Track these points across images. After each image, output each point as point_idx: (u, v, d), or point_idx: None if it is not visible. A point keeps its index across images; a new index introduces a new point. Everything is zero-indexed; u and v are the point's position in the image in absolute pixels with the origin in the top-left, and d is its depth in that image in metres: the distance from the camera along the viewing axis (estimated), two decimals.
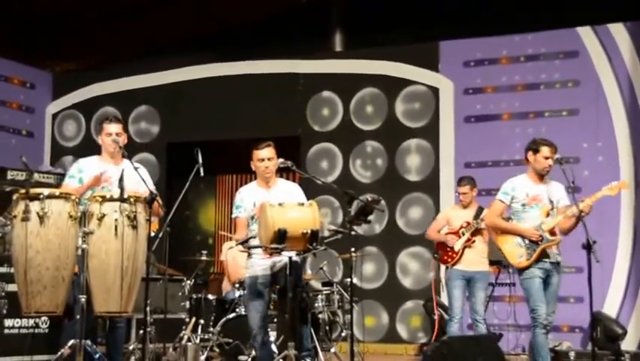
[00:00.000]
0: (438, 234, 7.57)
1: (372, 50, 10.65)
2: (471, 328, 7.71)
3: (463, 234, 7.33)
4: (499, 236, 6.42)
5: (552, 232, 6.13)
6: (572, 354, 8.65)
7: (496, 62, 9.98)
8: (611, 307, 9.00)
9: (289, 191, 5.83)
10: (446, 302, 9.33)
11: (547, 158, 6.17)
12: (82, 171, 5.62)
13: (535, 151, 6.23)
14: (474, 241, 7.28)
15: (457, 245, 7.31)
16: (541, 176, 6.23)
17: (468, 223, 7.34)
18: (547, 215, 6.14)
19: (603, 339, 8.57)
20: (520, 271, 6.17)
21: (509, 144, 9.57)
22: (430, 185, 10.07)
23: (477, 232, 7.29)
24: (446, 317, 8.95)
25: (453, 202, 9.69)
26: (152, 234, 5.71)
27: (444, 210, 7.84)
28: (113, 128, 5.69)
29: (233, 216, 5.91)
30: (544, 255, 6.11)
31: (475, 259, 7.26)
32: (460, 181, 7.55)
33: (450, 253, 7.35)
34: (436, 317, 8.73)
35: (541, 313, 6.03)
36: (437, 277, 8.88)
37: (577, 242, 5.94)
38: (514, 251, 6.17)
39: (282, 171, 5.98)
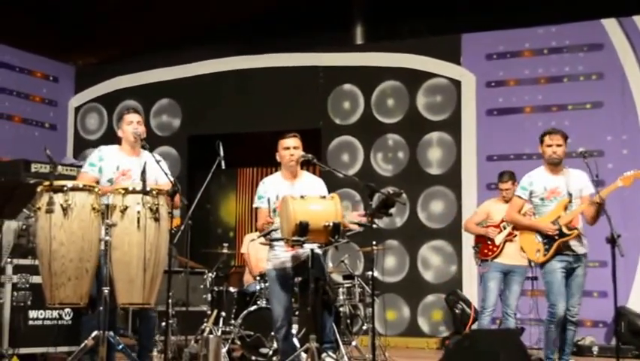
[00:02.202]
0: (477, 227, 7.52)
1: (394, 42, 10.60)
2: (494, 322, 7.67)
3: (505, 228, 7.26)
4: (519, 232, 6.43)
5: (570, 226, 6.08)
6: (595, 349, 8.61)
7: (518, 55, 9.91)
8: (635, 301, 8.91)
9: (312, 185, 5.84)
10: (469, 296, 9.37)
11: (549, 146, 6.13)
12: (102, 159, 5.61)
13: (541, 141, 6.22)
14: (515, 235, 7.21)
15: (499, 239, 7.26)
16: (556, 166, 6.15)
17: None
18: (566, 208, 6.09)
19: (627, 334, 8.50)
20: (542, 265, 6.14)
21: (531, 137, 9.33)
22: (452, 178, 10.03)
23: None
24: (468, 311, 8.94)
25: (474, 195, 9.69)
26: (174, 230, 5.72)
27: (484, 204, 7.74)
28: (134, 117, 5.69)
29: (254, 205, 5.91)
30: (564, 248, 6.07)
31: (514, 253, 7.14)
32: (501, 177, 7.44)
33: (490, 247, 7.30)
34: (471, 312, 8.69)
35: (560, 310, 6.00)
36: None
37: (601, 236, 5.89)
38: (532, 247, 6.17)
39: (302, 164, 5.98)
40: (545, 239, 6.08)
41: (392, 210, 5.73)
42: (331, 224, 5.22)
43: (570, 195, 6.09)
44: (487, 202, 7.77)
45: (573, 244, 6.08)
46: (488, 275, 7.26)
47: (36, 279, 6.22)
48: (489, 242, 7.34)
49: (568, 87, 9.62)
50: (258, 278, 7.43)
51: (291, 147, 5.79)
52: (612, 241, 5.76)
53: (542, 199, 6.17)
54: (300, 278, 5.79)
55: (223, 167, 6.70)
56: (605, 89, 9.44)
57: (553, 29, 9.78)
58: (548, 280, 6.10)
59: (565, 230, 6.04)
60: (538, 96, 9.74)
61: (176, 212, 6.75)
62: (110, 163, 5.59)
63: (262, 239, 5.81)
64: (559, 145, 6.11)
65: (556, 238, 6.04)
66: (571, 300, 6.08)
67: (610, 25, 9.49)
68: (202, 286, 7.67)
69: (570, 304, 6.07)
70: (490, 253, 7.31)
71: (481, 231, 7.45)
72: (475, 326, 8.42)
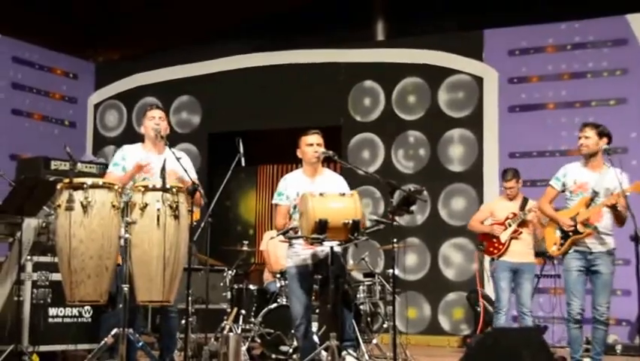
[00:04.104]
0: (481, 225, 7.46)
1: (415, 38, 10.54)
2: (516, 320, 7.60)
3: (510, 225, 7.21)
4: (547, 223, 6.41)
5: (587, 223, 6.01)
6: (618, 348, 8.55)
7: (541, 51, 9.81)
8: None
9: (333, 183, 5.80)
10: (490, 294, 9.28)
11: (579, 139, 6.10)
12: (125, 158, 5.61)
13: None
14: (520, 233, 7.17)
15: (504, 236, 7.20)
16: (591, 160, 6.07)
17: (514, 214, 7.22)
18: (588, 206, 6.02)
19: None
20: (563, 261, 6.14)
21: (555, 133, 9.44)
22: (474, 176, 9.95)
23: (523, 223, 7.17)
24: (490, 309, 8.84)
25: (497, 193, 9.58)
26: (194, 223, 5.69)
27: (488, 202, 7.70)
28: (156, 113, 5.68)
29: (274, 202, 5.90)
30: (581, 245, 6.01)
31: (521, 251, 7.15)
32: (504, 175, 7.37)
33: (496, 244, 7.24)
34: (480, 310, 8.61)
35: (574, 308, 5.98)
36: (481, 269, 8.75)
37: (624, 234, 5.81)
38: (552, 239, 6.16)
39: (323, 161, 5.94)
40: (563, 233, 6.08)
41: (413, 208, 5.70)
42: (351, 222, 5.18)
43: (595, 193, 6.01)
44: (492, 200, 7.71)
45: (590, 241, 6.02)
46: (498, 275, 7.19)
47: (56, 276, 6.21)
48: (494, 240, 7.27)
49: (591, 83, 9.52)
50: (277, 276, 7.40)
51: (314, 144, 5.77)
52: (636, 239, 5.68)
53: (570, 192, 6.14)
54: (319, 276, 5.76)
55: (243, 164, 6.67)
56: (629, 85, 9.33)
57: (576, 24, 9.68)
58: (565, 277, 6.10)
59: (579, 228, 5.99)
60: (561, 92, 9.65)
61: (196, 207, 6.72)
62: (132, 161, 5.58)
63: (282, 237, 5.79)
64: (586, 137, 6.04)
65: (571, 234, 6.02)
66: (597, 300, 6.01)
67: (634, 20, 9.37)
68: (222, 284, 7.65)
69: (597, 304, 6.02)
70: (495, 251, 7.24)
71: (486, 229, 7.38)
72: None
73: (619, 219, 5.99)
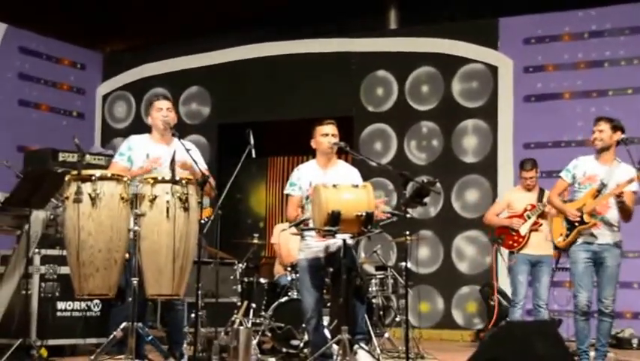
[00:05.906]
0: (499, 218, 7.33)
1: (428, 27, 10.42)
2: (530, 313, 7.50)
3: (529, 217, 7.08)
4: (555, 215, 6.42)
5: (594, 214, 5.98)
6: (635, 341, 8.49)
7: (557, 39, 9.68)
8: None
9: (347, 174, 5.74)
10: (504, 288, 9.17)
11: (593, 132, 6.11)
12: (131, 149, 5.56)
13: None
14: (540, 225, 7.05)
15: (524, 229, 7.08)
16: (603, 154, 6.07)
17: (533, 206, 7.10)
18: (595, 197, 6.00)
19: None
20: (567, 253, 6.13)
21: (571, 124, 9.33)
22: (488, 167, 9.85)
23: (542, 214, 7.05)
24: (504, 303, 8.74)
25: (511, 185, 9.45)
26: (205, 220, 5.61)
27: (505, 194, 7.57)
28: (164, 104, 5.62)
29: (286, 192, 5.86)
30: (587, 236, 6.00)
31: (541, 243, 7.04)
32: (524, 165, 7.26)
33: (515, 238, 7.12)
34: (495, 303, 8.49)
35: (582, 300, 5.99)
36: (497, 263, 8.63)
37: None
38: (559, 230, 6.17)
39: (336, 153, 5.86)
40: (569, 225, 6.06)
41: (426, 200, 5.65)
42: (364, 214, 5.11)
43: (603, 184, 6.00)
44: (508, 192, 7.65)
45: (598, 232, 6.00)
46: (517, 268, 7.09)
47: (64, 270, 6.18)
48: (513, 233, 7.15)
49: (608, 72, 9.39)
50: (288, 269, 7.33)
51: (329, 134, 5.72)
52: None
53: (579, 184, 6.14)
54: (331, 269, 5.68)
55: (253, 156, 6.59)
56: None
57: (593, 12, 9.55)
58: (572, 269, 6.11)
59: (585, 218, 5.97)
60: (577, 81, 9.53)
61: (206, 202, 6.65)
62: (139, 152, 5.53)
63: (293, 229, 5.71)
64: (600, 131, 6.07)
65: (577, 224, 6.00)
66: (603, 292, 6.03)
67: None
68: (232, 277, 7.58)
69: (603, 296, 6.03)
70: (515, 245, 7.12)
71: (504, 222, 7.26)
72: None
73: (625, 213, 5.97)
